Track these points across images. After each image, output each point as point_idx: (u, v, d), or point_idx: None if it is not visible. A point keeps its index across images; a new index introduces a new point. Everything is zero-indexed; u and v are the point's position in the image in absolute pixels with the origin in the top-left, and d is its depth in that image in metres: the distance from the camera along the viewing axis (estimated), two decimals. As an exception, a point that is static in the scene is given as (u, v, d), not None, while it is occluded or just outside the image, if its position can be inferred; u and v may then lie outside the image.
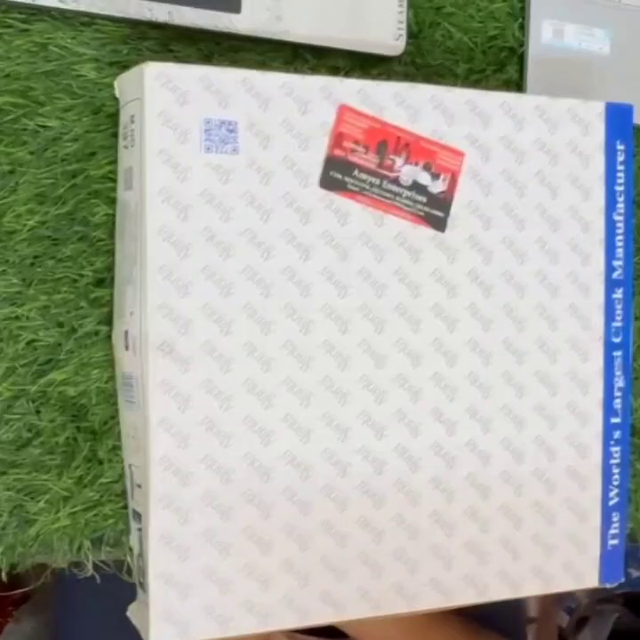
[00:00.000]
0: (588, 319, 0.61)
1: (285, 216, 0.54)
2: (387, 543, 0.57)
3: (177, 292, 0.52)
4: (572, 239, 0.61)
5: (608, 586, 0.63)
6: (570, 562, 0.62)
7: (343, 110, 0.55)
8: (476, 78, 0.64)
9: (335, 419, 0.55)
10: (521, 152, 0.59)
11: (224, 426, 0.53)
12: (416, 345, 0.57)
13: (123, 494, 0.56)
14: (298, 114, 0.54)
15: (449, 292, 0.57)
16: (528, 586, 0.61)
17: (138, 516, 0.54)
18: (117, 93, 0.55)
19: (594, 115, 0.61)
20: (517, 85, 0.65)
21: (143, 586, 0.53)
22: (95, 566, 0.57)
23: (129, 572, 0.57)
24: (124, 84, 0.54)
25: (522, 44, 0.65)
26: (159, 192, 0.51)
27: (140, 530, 0.54)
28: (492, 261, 0.58)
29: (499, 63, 0.65)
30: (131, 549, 0.56)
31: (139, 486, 0.53)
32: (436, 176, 0.57)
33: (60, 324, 0.55)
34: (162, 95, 0.51)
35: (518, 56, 0.65)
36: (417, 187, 0.56)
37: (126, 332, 0.53)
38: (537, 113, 0.60)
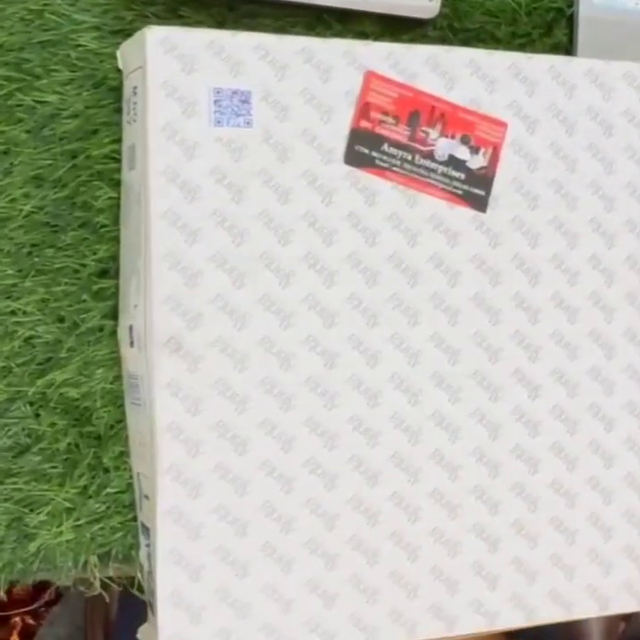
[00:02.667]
0: (649, 309, 0.55)
1: (306, 196, 0.48)
2: (421, 561, 0.51)
3: (185, 284, 0.46)
4: (630, 219, 0.54)
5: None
6: (629, 580, 0.56)
7: (370, 77, 0.49)
8: (520, 43, 0.58)
9: (364, 422, 0.49)
10: (571, 122, 0.53)
11: (239, 431, 0.47)
12: (453, 340, 0.51)
13: (131, 505, 0.52)
14: (319, 82, 0.48)
15: (491, 279, 0.51)
16: (581, 607, 0.55)
17: (146, 530, 0.49)
18: (120, 64, 0.50)
19: (654, 79, 0.55)
20: (566, 50, 0.59)
21: (152, 607, 0.48)
22: (103, 584, 0.52)
23: (141, 588, 0.52)
24: (126, 52, 0.49)
25: (571, 4, 0.59)
26: (164, 171, 0.46)
27: (148, 546, 0.49)
28: (538, 245, 0.52)
29: (546, 26, 0.59)
30: (141, 566, 0.51)
31: (146, 497, 0.48)
32: (475, 150, 0.51)
33: (61, 319, 0.50)
34: (166, 63, 0.46)
35: (567, 18, 0.59)
36: (454, 162, 0.50)
37: (131, 328, 0.48)
38: (589, 78, 0.53)
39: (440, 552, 0.51)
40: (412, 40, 0.56)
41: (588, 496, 0.54)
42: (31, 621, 1.13)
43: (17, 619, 1.11)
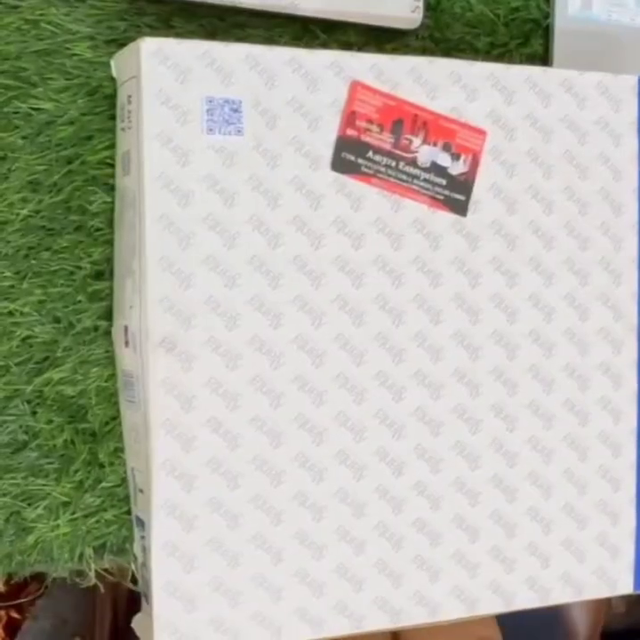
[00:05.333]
0: (620, 309, 0.57)
1: (294, 201, 0.50)
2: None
3: (179, 285, 0.48)
4: (603, 223, 0.57)
5: (644, 593, 0.60)
6: (602, 568, 0.58)
7: (355, 87, 0.51)
8: (498, 53, 0.60)
9: (350, 418, 0.52)
10: (547, 130, 0.55)
11: (231, 427, 0.49)
12: (435, 339, 0.53)
13: (126, 499, 0.53)
14: (306, 91, 0.50)
15: (471, 281, 0.54)
16: (557, 593, 0.57)
17: (141, 523, 0.51)
18: (114, 73, 0.51)
19: (626, 89, 0.57)
20: (543, 60, 0.61)
21: (147, 597, 0.50)
22: (98, 575, 0.54)
23: (134, 580, 0.54)
24: (120, 62, 0.51)
25: (547, 15, 0.61)
26: (158, 177, 0.48)
27: (143, 538, 0.50)
28: (516, 248, 0.55)
29: (523, 36, 0.61)
30: (135, 557, 0.53)
31: (141, 491, 0.50)
32: (456, 157, 0.53)
33: (57, 320, 0.52)
34: (160, 73, 0.48)
35: (544, 29, 0.61)
36: (436, 168, 0.52)
37: (126, 328, 0.50)
38: (564, 88, 0.56)
39: (422, 542, 0.53)
40: (395, 50, 0.58)
41: (563, 487, 0.56)
42: (16, 615, 1.13)
43: (2, 612, 1.12)
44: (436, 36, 0.59)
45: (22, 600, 1.07)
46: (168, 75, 0.48)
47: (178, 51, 0.48)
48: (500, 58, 0.60)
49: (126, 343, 0.50)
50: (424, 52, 0.58)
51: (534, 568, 0.56)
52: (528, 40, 0.61)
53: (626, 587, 0.59)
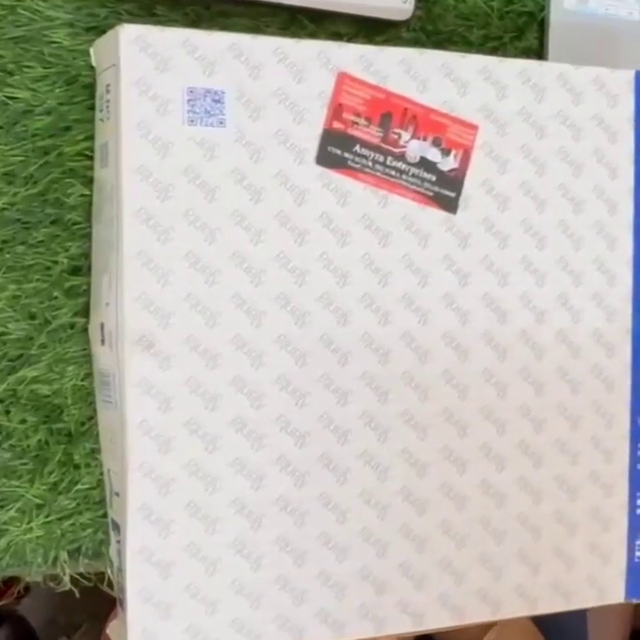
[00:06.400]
0: (615, 310, 0.56)
1: (278, 196, 0.48)
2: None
3: (157, 281, 0.47)
4: (598, 222, 0.55)
5: (635, 601, 0.58)
6: (592, 575, 0.57)
7: (343, 78, 0.49)
8: (492, 46, 0.59)
9: (334, 420, 0.50)
10: (541, 126, 0.53)
11: (210, 429, 0.48)
12: (423, 339, 0.51)
13: (102, 502, 0.52)
14: (292, 82, 0.48)
15: (461, 280, 0.52)
16: (546, 602, 0.56)
17: (117, 526, 0.49)
18: (93, 61, 0.50)
19: (622, 84, 0.55)
20: (537, 54, 0.60)
21: (122, 603, 0.49)
22: (73, 580, 0.52)
23: (111, 585, 0.52)
24: (99, 50, 0.49)
25: (543, 8, 0.60)
26: (137, 170, 0.46)
27: (118, 542, 0.49)
28: (508, 247, 0.53)
29: (517, 30, 0.59)
30: (111, 562, 0.51)
31: (117, 494, 0.49)
32: (446, 152, 0.51)
33: (32, 316, 0.50)
34: (140, 61, 0.46)
35: (539, 22, 0.60)
36: (425, 164, 0.51)
37: (102, 325, 0.49)
38: (559, 82, 0.54)
39: (408, 548, 0.52)
40: (386, 41, 0.56)
41: (553, 493, 0.55)
42: (-1, 613, 1.12)
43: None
44: (428, 29, 0.57)
45: (5, 601, 1.06)
46: (148, 63, 0.46)
47: (158, 38, 0.46)
48: (493, 51, 0.58)
49: (103, 341, 0.49)
50: (415, 44, 0.57)
51: (523, 575, 0.55)
52: (523, 33, 0.60)
53: (616, 595, 0.57)
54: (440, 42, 0.57)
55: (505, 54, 0.59)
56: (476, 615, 0.54)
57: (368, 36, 0.56)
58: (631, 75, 0.56)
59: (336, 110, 0.49)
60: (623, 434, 0.57)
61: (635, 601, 0.58)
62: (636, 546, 0.58)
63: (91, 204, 0.51)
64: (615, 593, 0.57)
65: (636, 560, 0.58)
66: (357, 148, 0.50)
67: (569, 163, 0.54)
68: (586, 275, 0.55)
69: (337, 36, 0.55)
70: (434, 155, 0.51)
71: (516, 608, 0.55)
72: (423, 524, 0.52)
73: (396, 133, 0.50)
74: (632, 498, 0.57)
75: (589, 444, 0.56)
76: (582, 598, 0.56)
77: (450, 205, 0.52)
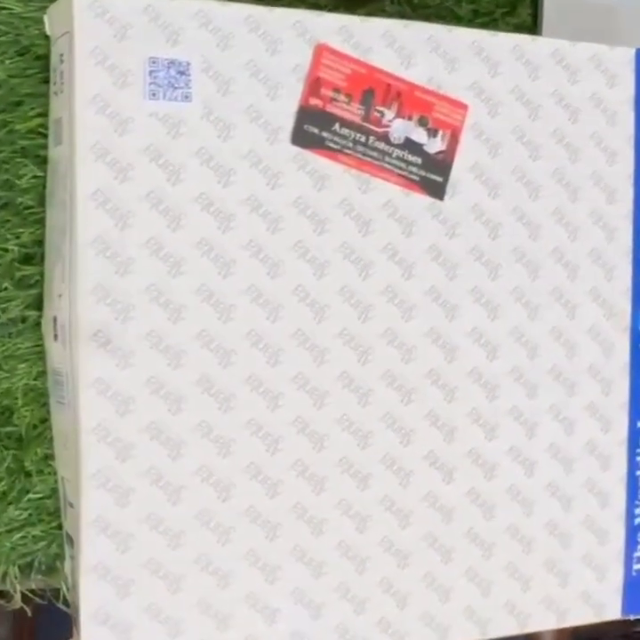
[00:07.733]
0: (612, 306, 0.52)
1: (249, 178, 0.44)
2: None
3: (115, 271, 0.42)
4: (595, 210, 0.51)
5: (632, 617, 0.54)
6: (587, 591, 0.53)
7: (321, 51, 0.45)
8: (482, 22, 0.55)
9: (309, 424, 0.46)
10: (535, 106, 0.50)
11: (173, 434, 0.44)
12: (406, 337, 0.48)
13: (56, 512, 0.48)
14: (265, 54, 0.44)
15: (448, 272, 0.48)
16: (538, 619, 0.52)
17: (71, 540, 0.45)
18: (47, 29, 0.46)
19: (621, 63, 0.52)
20: (530, 31, 0.57)
21: (76, 624, 0.44)
22: (24, 598, 0.48)
23: (67, 602, 0.48)
24: (54, 17, 0.45)
25: (536, -18, 0.56)
26: (92, 147, 0.42)
27: (72, 557, 0.45)
28: (499, 236, 0.49)
29: (509, 5, 0.56)
30: (66, 577, 0.47)
31: (71, 505, 0.44)
32: (433, 132, 0.47)
33: (-21, 309, 0.46)
34: (96, 28, 0.42)
35: (532, -3, 0.56)
36: (410, 145, 0.47)
37: (55, 319, 0.44)
38: (554, 60, 0.50)
39: (390, 563, 0.48)
40: (369, 14, 0.52)
41: (546, 503, 0.51)
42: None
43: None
44: (414, 2, 0.54)
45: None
46: (105, 30, 0.42)
47: (117, 3, 0.42)
48: (483, 27, 0.55)
49: (55, 337, 0.44)
50: (400, 18, 0.53)
51: (514, 591, 0.51)
52: (515, 9, 0.56)
53: (614, 611, 0.54)
54: (426, 16, 0.54)
55: (496, 30, 0.55)
56: (462, 634, 0.50)
57: (349, 8, 0.52)
58: (631, 53, 0.52)
59: (313, 85, 0.45)
60: (621, 439, 0.53)
61: (632, 617, 0.54)
62: (633, 558, 0.54)
63: (44, 186, 0.47)
64: (611, 609, 0.54)
65: (634, 574, 0.54)
66: (336, 126, 0.45)
67: (565, 146, 0.51)
68: (582, 268, 0.51)
69: (316, 7, 0.52)
70: (419, 135, 0.47)
71: (505, 626, 0.51)
72: (405, 536, 0.48)
73: (378, 111, 0.46)
74: (629, 507, 0.54)
75: (585, 450, 0.52)
76: (576, 615, 0.53)
77: (437, 191, 0.48)
